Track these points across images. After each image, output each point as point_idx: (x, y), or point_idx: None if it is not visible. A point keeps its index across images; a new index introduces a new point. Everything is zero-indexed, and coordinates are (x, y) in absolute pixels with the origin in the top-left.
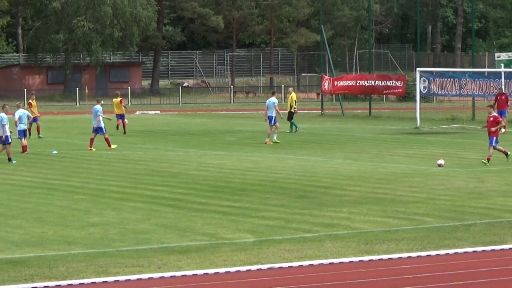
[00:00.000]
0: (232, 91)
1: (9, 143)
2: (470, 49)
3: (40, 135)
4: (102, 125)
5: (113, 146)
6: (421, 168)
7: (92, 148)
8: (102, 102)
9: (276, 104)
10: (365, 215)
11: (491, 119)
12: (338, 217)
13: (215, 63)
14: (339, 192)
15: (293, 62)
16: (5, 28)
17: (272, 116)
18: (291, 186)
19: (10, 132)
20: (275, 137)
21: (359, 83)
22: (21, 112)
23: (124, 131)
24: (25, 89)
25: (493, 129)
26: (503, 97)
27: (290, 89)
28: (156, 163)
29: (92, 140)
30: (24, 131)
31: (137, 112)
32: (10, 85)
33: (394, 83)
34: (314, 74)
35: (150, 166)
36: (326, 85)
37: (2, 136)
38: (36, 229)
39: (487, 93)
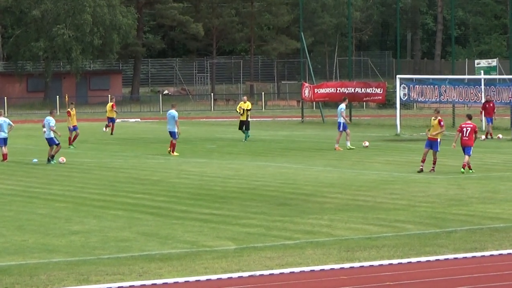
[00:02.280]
0: (212, 99)
1: (57, 144)
2: (450, 56)
3: (73, 145)
4: (176, 130)
5: (175, 154)
6: (402, 175)
7: (176, 153)
8: (176, 107)
9: (344, 110)
10: (346, 222)
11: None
12: (319, 224)
13: (195, 70)
14: (320, 199)
15: (273, 70)
16: None
17: (340, 122)
18: (271, 194)
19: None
20: (348, 144)
21: (339, 90)
22: (1, 120)
23: (112, 132)
24: (5, 97)
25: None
26: (490, 105)
27: (245, 97)
28: (137, 171)
29: (174, 144)
30: (5, 139)
31: (117, 120)
32: None
33: (374, 90)
34: (294, 82)
35: (131, 174)
36: (306, 92)
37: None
38: (17, 237)
39: (467, 100)
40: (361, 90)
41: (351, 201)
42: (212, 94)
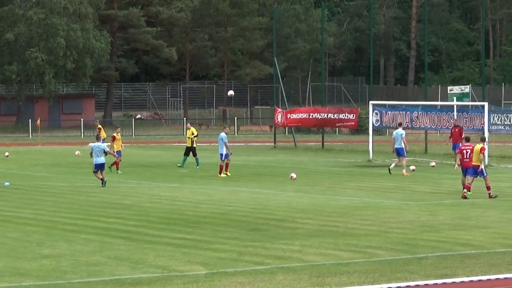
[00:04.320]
0: (185, 123)
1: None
2: (423, 82)
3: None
4: (224, 152)
5: (222, 175)
6: (374, 201)
7: (226, 174)
8: (227, 129)
9: (404, 136)
10: (317, 247)
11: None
12: (290, 249)
13: (168, 95)
14: (291, 225)
15: (246, 95)
16: None
17: (401, 148)
18: (243, 219)
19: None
20: (393, 166)
21: (312, 115)
22: None
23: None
24: None
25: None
26: (456, 130)
27: (188, 124)
28: (108, 195)
29: (221, 167)
30: None
31: (89, 144)
32: None
33: (347, 116)
34: (267, 107)
35: (103, 198)
36: (279, 117)
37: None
38: None
39: (439, 126)
40: (333, 116)
41: (322, 227)
42: (185, 118)
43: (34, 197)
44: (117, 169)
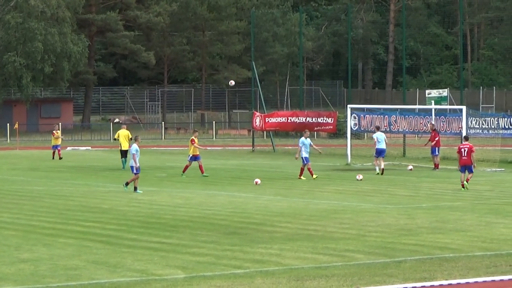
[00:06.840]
0: (163, 127)
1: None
2: (401, 86)
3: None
4: (304, 155)
5: (315, 176)
6: (352, 204)
7: (302, 177)
8: (308, 133)
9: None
10: (296, 251)
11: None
12: (269, 253)
13: (147, 99)
14: (270, 228)
15: (224, 98)
16: None
17: (384, 149)
18: (221, 223)
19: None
20: (377, 169)
21: (290, 119)
22: None
23: (60, 157)
24: None
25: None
26: (432, 134)
27: (124, 126)
28: (87, 199)
29: (302, 169)
30: None
31: (68, 148)
32: None
33: (325, 120)
34: (245, 111)
35: (81, 202)
36: (257, 121)
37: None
38: None
39: (417, 130)
40: (312, 120)
41: (300, 230)
42: (163, 122)
43: (12, 201)
44: (184, 171)
